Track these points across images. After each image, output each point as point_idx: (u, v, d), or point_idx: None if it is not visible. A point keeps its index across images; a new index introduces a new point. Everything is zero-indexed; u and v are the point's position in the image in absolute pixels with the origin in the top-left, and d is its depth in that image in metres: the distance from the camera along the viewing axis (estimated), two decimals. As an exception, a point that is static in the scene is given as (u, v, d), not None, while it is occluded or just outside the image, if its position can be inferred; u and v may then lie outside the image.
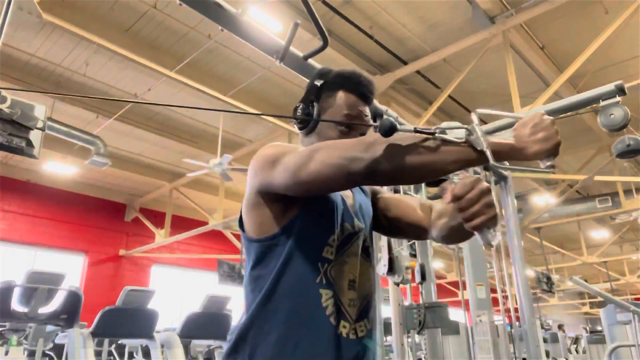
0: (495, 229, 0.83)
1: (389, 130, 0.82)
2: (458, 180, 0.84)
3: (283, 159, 0.97)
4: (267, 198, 1.03)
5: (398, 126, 0.83)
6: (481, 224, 0.80)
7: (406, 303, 3.30)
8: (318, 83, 1.16)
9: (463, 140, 0.82)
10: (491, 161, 0.80)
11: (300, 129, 1.17)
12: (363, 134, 1.12)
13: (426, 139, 0.83)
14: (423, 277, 3.69)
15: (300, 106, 1.16)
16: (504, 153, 0.82)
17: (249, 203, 1.07)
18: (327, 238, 1.04)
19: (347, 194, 1.16)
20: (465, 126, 0.83)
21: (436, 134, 0.82)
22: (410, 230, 1.19)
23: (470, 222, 0.80)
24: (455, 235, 1.06)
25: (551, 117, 0.83)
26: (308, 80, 1.21)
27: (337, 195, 1.09)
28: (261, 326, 0.99)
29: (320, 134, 1.13)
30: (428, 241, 3.59)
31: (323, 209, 1.06)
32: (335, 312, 1.01)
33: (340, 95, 1.13)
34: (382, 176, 0.86)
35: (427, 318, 3.36)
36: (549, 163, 0.83)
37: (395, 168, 0.84)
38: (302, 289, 1.00)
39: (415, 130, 0.84)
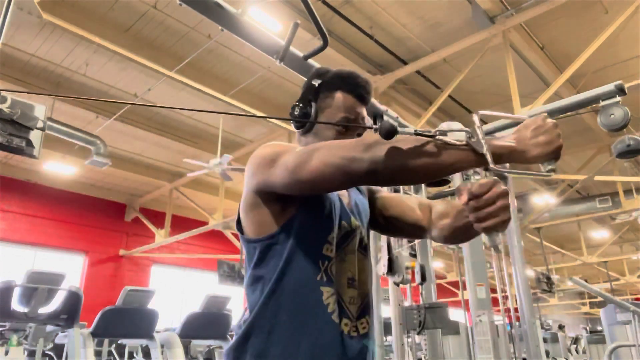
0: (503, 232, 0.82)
1: (389, 132, 0.81)
2: (475, 181, 0.82)
3: (282, 158, 0.97)
4: (265, 198, 1.03)
5: (398, 128, 0.82)
6: (493, 225, 0.79)
7: (406, 303, 3.30)
8: (316, 83, 1.16)
9: (463, 142, 0.81)
10: (491, 164, 0.79)
11: (297, 128, 1.17)
12: (360, 135, 1.13)
13: (427, 142, 0.82)
14: (423, 278, 3.68)
15: (299, 105, 1.16)
16: (505, 156, 0.81)
17: (246, 203, 1.06)
18: (327, 236, 1.04)
19: (342, 192, 1.16)
20: (466, 129, 0.82)
21: (436, 137, 0.82)
22: (407, 229, 1.20)
23: (483, 222, 0.80)
24: (459, 236, 1.09)
25: (553, 120, 0.82)
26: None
27: (333, 194, 1.10)
28: (264, 325, 1.00)
29: (318, 134, 1.13)
30: (428, 241, 3.59)
31: (321, 207, 1.06)
32: (337, 310, 1.01)
33: (338, 96, 1.13)
34: (382, 177, 0.86)
35: (427, 318, 3.36)
36: (550, 167, 0.81)
37: (395, 170, 0.83)
38: (304, 287, 1.00)
39: (416, 133, 0.83)
